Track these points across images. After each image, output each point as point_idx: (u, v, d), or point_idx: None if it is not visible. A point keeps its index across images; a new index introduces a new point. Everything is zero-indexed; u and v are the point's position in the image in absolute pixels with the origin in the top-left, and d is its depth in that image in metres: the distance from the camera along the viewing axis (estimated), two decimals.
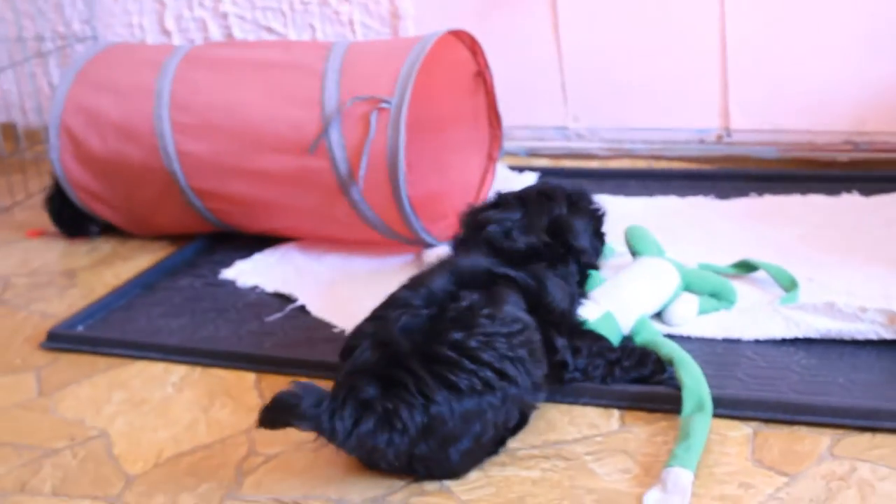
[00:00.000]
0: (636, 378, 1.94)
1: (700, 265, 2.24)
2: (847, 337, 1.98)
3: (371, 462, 1.77)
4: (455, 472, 1.76)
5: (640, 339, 2.02)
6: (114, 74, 2.72)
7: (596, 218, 2.16)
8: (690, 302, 2.12)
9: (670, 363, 1.92)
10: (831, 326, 1.99)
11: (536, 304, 1.92)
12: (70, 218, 2.88)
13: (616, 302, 2.05)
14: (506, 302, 1.85)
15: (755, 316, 2.08)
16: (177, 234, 2.81)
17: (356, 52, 2.51)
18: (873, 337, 1.97)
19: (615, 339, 2.01)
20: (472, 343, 1.73)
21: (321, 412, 1.67)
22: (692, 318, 2.12)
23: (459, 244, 2.08)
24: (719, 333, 2.07)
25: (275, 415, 1.69)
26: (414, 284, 1.88)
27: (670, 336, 2.07)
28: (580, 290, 2.08)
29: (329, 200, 2.47)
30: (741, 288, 2.19)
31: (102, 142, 2.68)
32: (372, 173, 2.38)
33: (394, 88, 2.37)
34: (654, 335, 2.02)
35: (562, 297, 1.97)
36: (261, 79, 2.55)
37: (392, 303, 1.85)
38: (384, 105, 2.36)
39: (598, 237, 2.17)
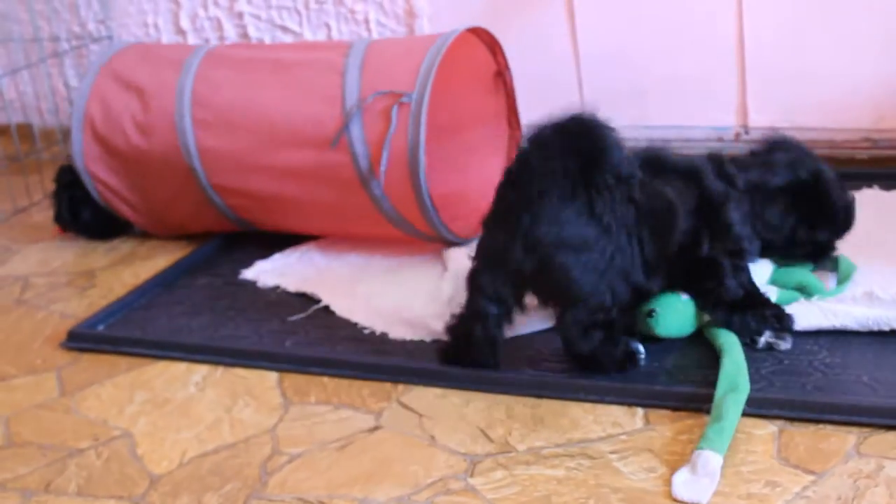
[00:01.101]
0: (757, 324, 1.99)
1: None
2: (885, 327, 1.98)
3: None
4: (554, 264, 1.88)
5: (706, 326, 2.04)
6: (137, 72, 2.73)
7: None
8: (770, 291, 2.12)
9: (720, 351, 1.94)
10: (870, 315, 1.99)
11: (709, 215, 1.99)
12: (94, 219, 2.88)
13: None
14: (666, 184, 1.94)
15: (792, 307, 2.07)
16: (195, 232, 2.81)
17: (376, 48, 2.52)
18: None
19: (686, 326, 2.03)
20: (617, 193, 1.89)
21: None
22: None
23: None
24: None
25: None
26: None
27: None
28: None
29: (349, 196, 2.47)
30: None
31: (124, 138, 2.69)
32: (393, 168, 2.38)
33: (414, 83, 2.37)
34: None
35: (742, 224, 2.02)
36: (281, 76, 2.55)
37: None
38: (405, 100, 2.36)
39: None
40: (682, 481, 1.66)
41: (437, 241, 2.52)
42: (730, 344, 1.95)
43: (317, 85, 2.48)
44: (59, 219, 2.92)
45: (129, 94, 2.70)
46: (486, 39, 2.59)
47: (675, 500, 1.65)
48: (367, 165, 2.40)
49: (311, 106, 2.47)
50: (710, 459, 1.68)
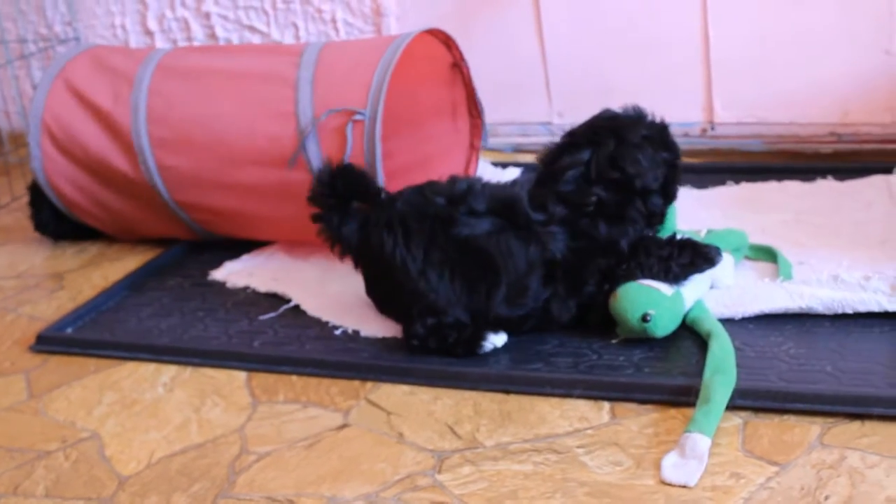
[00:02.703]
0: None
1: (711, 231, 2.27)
2: (849, 309, 2.01)
3: None
4: None
5: (690, 316, 2.06)
6: (90, 85, 2.69)
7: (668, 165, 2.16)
8: (726, 261, 2.15)
9: (707, 337, 1.97)
10: (835, 296, 2.02)
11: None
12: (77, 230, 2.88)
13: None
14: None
15: (757, 291, 2.10)
16: (162, 237, 2.80)
17: (328, 57, 2.50)
18: (875, 308, 2.01)
19: (678, 320, 2.04)
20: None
21: None
22: (731, 274, 2.17)
23: (536, 183, 2.13)
24: (722, 311, 2.08)
25: None
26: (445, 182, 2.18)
27: None
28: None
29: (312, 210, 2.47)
30: (740, 269, 2.23)
31: (83, 154, 2.67)
32: None
33: (367, 98, 2.38)
34: (702, 311, 2.06)
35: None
36: (235, 90, 2.53)
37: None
38: (358, 117, 2.36)
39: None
40: (671, 464, 1.69)
41: None
42: (717, 329, 1.98)
43: (271, 100, 2.47)
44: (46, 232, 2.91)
45: (85, 110, 2.67)
46: (440, 36, 2.60)
47: (664, 483, 1.67)
48: None
49: (267, 124, 2.46)
50: (699, 442, 1.71)
